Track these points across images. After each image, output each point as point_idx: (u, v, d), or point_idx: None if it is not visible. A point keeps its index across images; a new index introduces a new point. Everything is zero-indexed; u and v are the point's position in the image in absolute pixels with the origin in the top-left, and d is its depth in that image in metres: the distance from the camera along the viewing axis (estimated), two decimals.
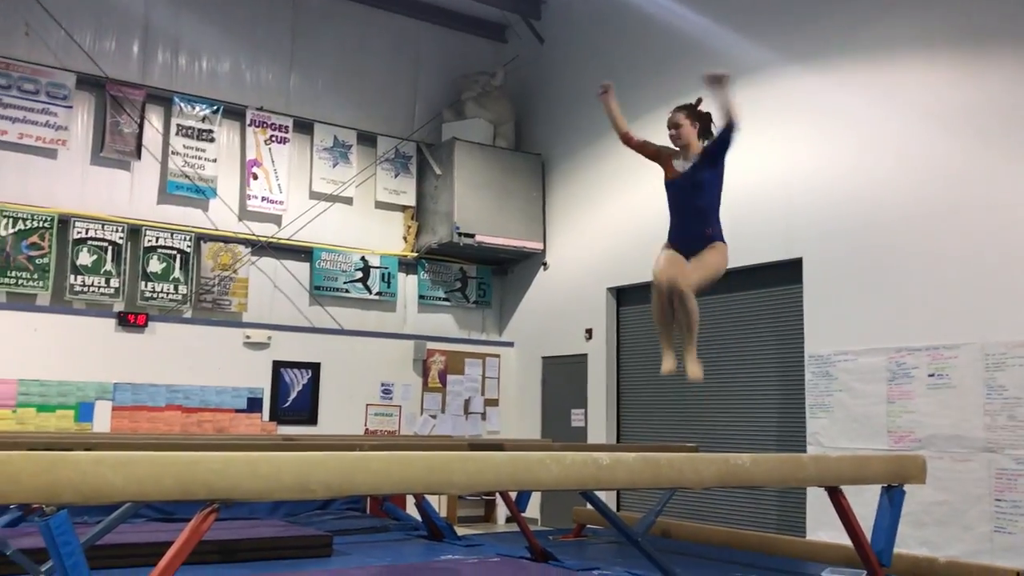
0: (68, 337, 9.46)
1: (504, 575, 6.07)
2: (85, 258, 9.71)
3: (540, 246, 11.94)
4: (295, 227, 11.11)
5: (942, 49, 7.69)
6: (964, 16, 7.53)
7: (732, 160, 9.60)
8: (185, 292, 10.27)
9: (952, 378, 7.24)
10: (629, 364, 10.73)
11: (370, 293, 11.55)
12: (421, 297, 11.99)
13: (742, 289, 9.26)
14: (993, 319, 7.02)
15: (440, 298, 12.13)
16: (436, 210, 11.73)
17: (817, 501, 7.62)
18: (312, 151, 11.38)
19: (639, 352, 10.55)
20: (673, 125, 5.34)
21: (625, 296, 10.85)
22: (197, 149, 10.52)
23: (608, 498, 9.80)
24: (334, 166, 11.49)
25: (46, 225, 9.51)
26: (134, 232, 10.06)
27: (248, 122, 10.92)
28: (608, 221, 10.92)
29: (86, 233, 9.76)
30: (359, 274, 11.49)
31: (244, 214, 10.81)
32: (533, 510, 10.90)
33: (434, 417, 11.70)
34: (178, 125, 10.43)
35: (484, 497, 11.60)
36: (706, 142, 5.37)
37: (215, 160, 10.63)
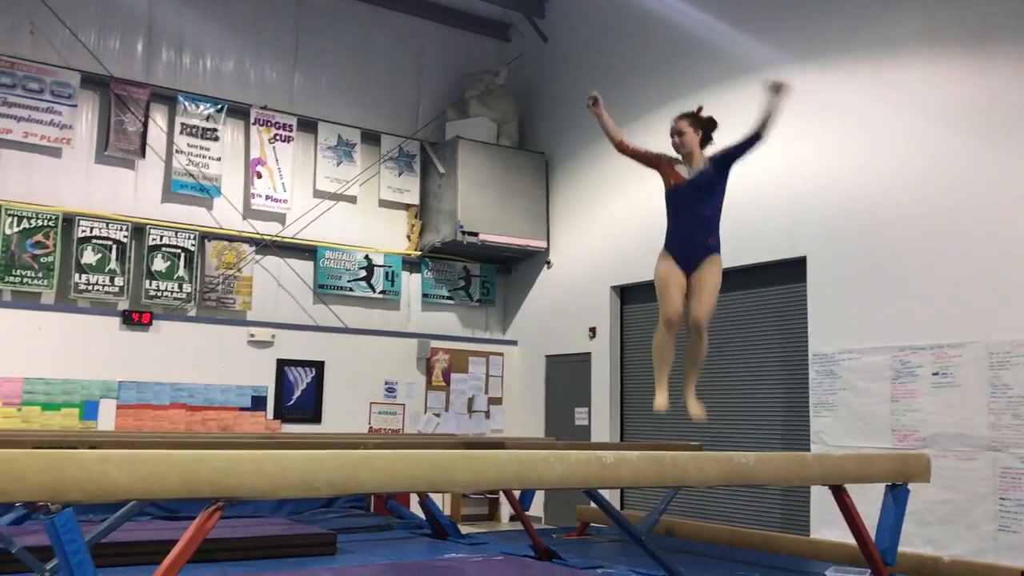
0: (73, 336, 9.48)
1: (508, 574, 6.07)
2: (89, 257, 9.73)
3: (544, 244, 11.94)
4: (299, 226, 11.12)
5: (947, 47, 7.67)
6: (969, 14, 7.51)
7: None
8: (189, 291, 10.28)
9: (956, 377, 7.22)
10: (633, 363, 10.73)
11: (374, 292, 11.55)
12: (425, 296, 12.00)
13: (746, 288, 9.25)
14: (997, 317, 7.00)
15: (444, 296, 12.14)
16: (440, 209, 11.73)
17: (821, 500, 7.61)
18: (316, 150, 11.39)
19: (643, 350, 10.52)
20: (676, 132, 5.28)
21: (629, 294, 10.85)
22: (201, 148, 10.53)
23: (612, 496, 9.80)
24: (338, 165, 11.50)
25: (51, 224, 9.53)
26: (138, 231, 10.08)
27: (252, 121, 10.93)
28: (612, 219, 10.92)
29: (90, 232, 9.77)
30: (363, 273, 11.50)
31: (248, 213, 10.83)
32: (537, 508, 10.90)
33: (438, 415, 11.71)
34: (182, 124, 10.45)
35: (488, 495, 11.60)
36: (712, 151, 5.31)
37: (219, 159, 10.64)
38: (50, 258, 9.49)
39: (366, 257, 11.54)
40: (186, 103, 10.50)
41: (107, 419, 9.57)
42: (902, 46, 7.99)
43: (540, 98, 12.49)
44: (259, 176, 10.89)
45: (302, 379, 10.84)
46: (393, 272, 11.72)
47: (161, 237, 10.18)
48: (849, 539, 5.99)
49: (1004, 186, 7.13)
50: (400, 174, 11.95)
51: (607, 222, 11.00)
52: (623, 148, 5.28)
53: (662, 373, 5.15)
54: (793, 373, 8.71)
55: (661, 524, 7.42)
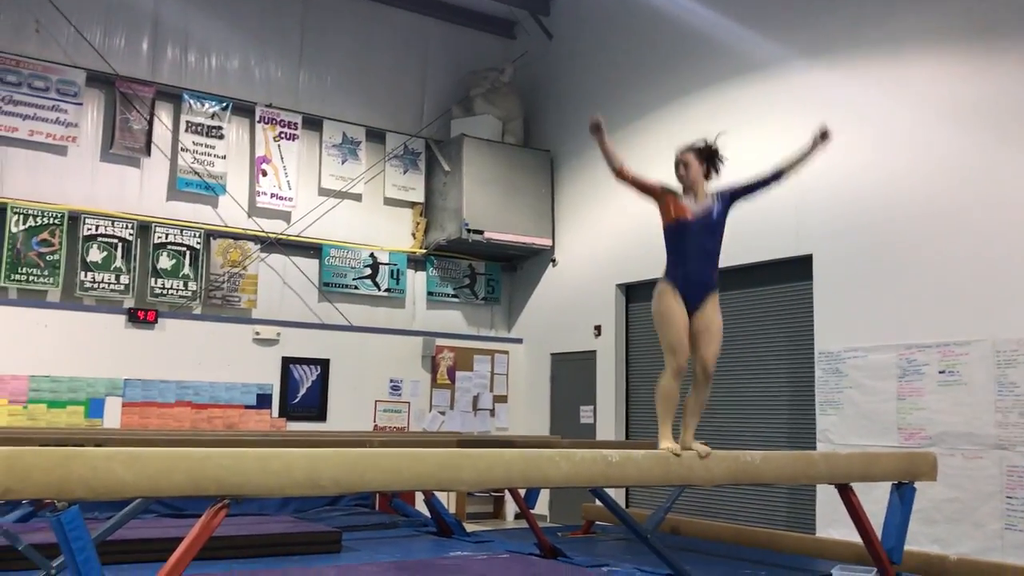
0: (78, 333, 9.50)
1: (513, 572, 6.07)
2: (95, 255, 9.74)
3: (549, 242, 11.93)
4: (304, 224, 11.13)
5: (953, 44, 7.64)
6: (975, 10, 7.48)
7: (741, 156, 9.58)
8: (195, 288, 10.29)
9: (963, 375, 7.20)
10: (638, 361, 10.72)
11: (379, 289, 11.56)
12: (430, 293, 12.00)
13: (752, 286, 9.24)
14: (1004, 316, 6.98)
15: (449, 294, 12.13)
16: (445, 206, 11.72)
17: (827, 498, 7.60)
18: (321, 148, 11.39)
19: (648, 349, 10.52)
20: (682, 164, 5.14)
21: (634, 292, 10.83)
22: (206, 146, 10.54)
23: (617, 495, 9.79)
24: (343, 163, 11.50)
25: (56, 222, 9.54)
26: (144, 229, 10.09)
27: (257, 119, 10.94)
28: (617, 217, 10.90)
29: (96, 230, 9.79)
30: (368, 271, 11.50)
31: (253, 211, 10.83)
32: (542, 507, 10.90)
33: (443, 413, 11.71)
34: (187, 122, 10.46)
35: (493, 494, 11.60)
36: (719, 185, 5.20)
37: (224, 157, 10.65)
38: (56, 256, 9.51)
39: (371, 255, 11.54)
40: (191, 101, 10.51)
41: (113, 417, 9.58)
42: (908, 42, 7.96)
43: (545, 96, 12.47)
44: (264, 174, 10.90)
45: (307, 377, 10.84)
46: (398, 270, 11.72)
47: (166, 235, 10.19)
48: (855, 538, 5.98)
49: (1011, 184, 7.10)
50: (405, 172, 11.95)
51: (612, 220, 10.99)
52: (623, 175, 5.11)
53: (668, 420, 4.95)
54: (799, 371, 8.69)
55: (666, 522, 7.41)
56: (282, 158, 11.02)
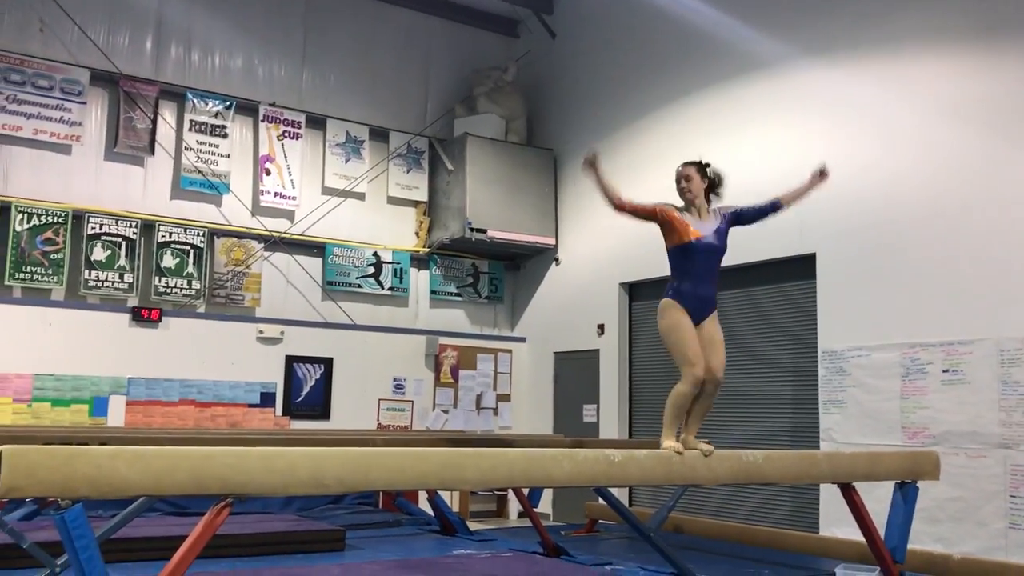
0: (82, 332, 9.51)
1: (516, 570, 6.07)
2: (99, 253, 9.76)
3: (552, 241, 11.93)
4: (308, 222, 11.14)
5: (956, 42, 7.63)
6: (979, 7, 7.46)
7: (746, 154, 9.59)
8: (198, 287, 10.31)
9: (967, 374, 7.19)
10: (641, 360, 10.72)
11: (382, 288, 11.56)
12: (433, 292, 12.00)
13: (755, 285, 9.23)
14: (1008, 315, 6.97)
15: (452, 293, 12.14)
16: (448, 205, 11.73)
17: (830, 497, 7.59)
18: (324, 147, 11.40)
19: (651, 348, 10.52)
20: (684, 178, 5.23)
21: (637, 291, 10.83)
22: (210, 145, 10.55)
23: (620, 494, 9.79)
24: (346, 161, 11.51)
25: (60, 221, 9.56)
26: (148, 227, 10.10)
27: (261, 118, 10.95)
28: (620, 217, 10.87)
29: (100, 228, 9.80)
30: (371, 269, 11.51)
31: (257, 209, 10.84)
32: (545, 505, 10.91)
33: (446, 412, 11.71)
34: (191, 121, 10.47)
35: (496, 492, 11.61)
36: (721, 205, 5.29)
37: (228, 156, 10.66)
38: (60, 255, 9.53)
39: (374, 254, 11.55)
40: (195, 100, 10.52)
41: (117, 415, 9.60)
42: (911, 41, 7.95)
43: (548, 95, 12.47)
44: (268, 173, 10.91)
45: (311, 375, 10.85)
46: (401, 269, 11.73)
47: (170, 234, 10.21)
48: (858, 536, 5.99)
49: (1015, 182, 7.08)
50: (408, 171, 11.96)
51: (615, 219, 10.82)
52: (622, 208, 5.18)
53: (675, 424, 5.06)
54: (802, 370, 8.68)
55: (670, 521, 7.42)
56: (286, 157, 11.03)
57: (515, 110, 12.23)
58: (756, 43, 9.30)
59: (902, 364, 7.65)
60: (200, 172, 10.43)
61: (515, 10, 12.55)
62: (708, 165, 5.29)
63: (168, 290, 10.12)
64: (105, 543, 4.31)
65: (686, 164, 5.29)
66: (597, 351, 11.06)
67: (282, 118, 11.08)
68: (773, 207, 5.36)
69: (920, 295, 7.59)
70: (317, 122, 11.38)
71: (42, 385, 9.25)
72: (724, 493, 9.06)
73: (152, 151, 10.21)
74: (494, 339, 12.33)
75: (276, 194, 10.92)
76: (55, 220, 9.53)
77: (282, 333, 10.69)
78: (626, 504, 9.58)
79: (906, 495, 5.72)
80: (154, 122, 10.20)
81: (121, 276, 9.86)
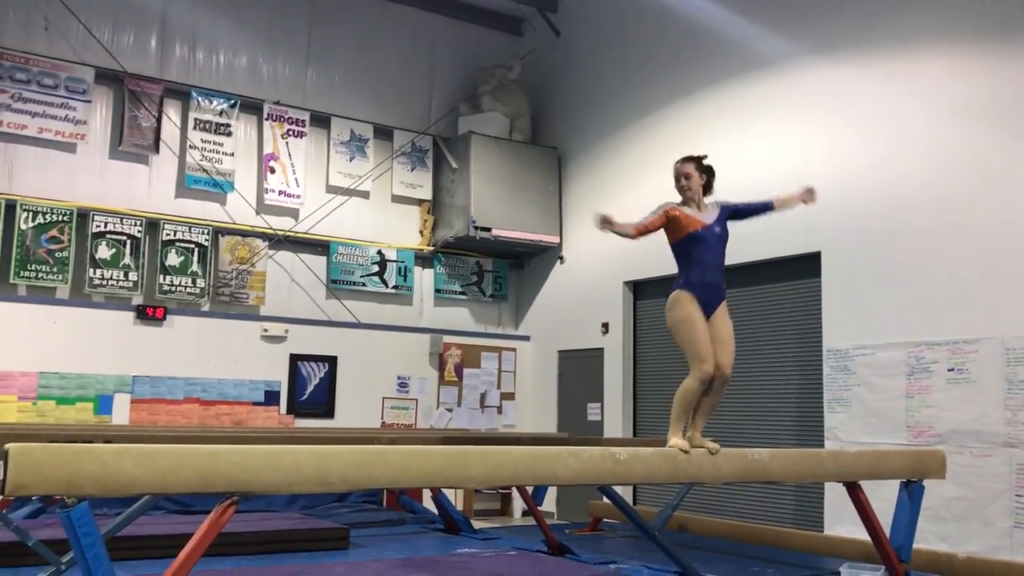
0: (87, 330, 9.53)
1: (521, 568, 6.07)
2: (104, 252, 9.77)
3: (556, 240, 11.93)
4: (312, 221, 11.14)
5: (963, 40, 7.61)
6: (987, 5, 7.44)
7: (751, 152, 9.57)
8: (203, 285, 10.31)
9: (972, 373, 7.18)
10: (646, 358, 10.71)
11: (386, 287, 11.57)
12: (437, 291, 12.00)
13: (760, 283, 9.22)
14: (1013, 314, 6.95)
15: (456, 292, 12.14)
16: (452, 204, 11.73)
17: (835, 496, 7.58)
18: (329, 145, 11.40)
19: (656, 346, 10.52)
20: (683, 175, 5.30)
21: (642, 290, 10.82)
22: (215, 143, 10.56)
23: (624, 492, 9.78)
24: (351, 160, 11.51)
25: (65, 219, 9.57)
26: (152, 226, 10.11)
27: (265, 116, 10.95)
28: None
29: (105, 227, 9.81)
30: (376, 268, 11.51)
31: (261, 208, 10.85)
32: (549, 504, 10.91)
33: (450, 411, 11.71)
34: (196, 119, 10.48)
35: (500, 491, 11.60)
36: (716, 200, 5.36)
37: (232, 154, 10.67)
38: (65, 253, 9.54)
39: (379, 252, 11.55)
40: (199, 98, 10.53)
41: (121, 413, 9.61)
42: (918, 38, 7.93)
43: (553, 93, 12.46)
44: (272, 171, 10.91)
45: (315, 374, 10.86)
46: (406, 267, 11.73)
47: (175, 232, 10.21)
48: (864, 536, 5.98)
49: (1021, 181, 7.06)
50: (413, 169, 11.96)
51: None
52: (639, 235, 5.26)
53: (682, 421, 5.05)
54: (807, 369, 8.67)
55: (674, 520, 7.41)
56: (290, 155, 11.03)
57: (519, 108, 12.22)
58: (761, 41, 9.29)
59: (907, 363, 7.63)
60: (204, 170, 10.44)
61: (520, 8, 12.55)
62: (704, 157, 5.33)
63: (173, 288, 10.13)
64: (110, 541, 4.31)
65: (684, 160, 5.36)
66: (601, 350, 11.05)
67: (286, 116, 11.08)
68: (766, 207, 5.46)
69: (925, 294, 7.57)
70: (321, 120, 11.39)
71: (47, 383, 9.27)
72: (729, 492, 9.05)
73: (157, 149, 10.22)
74: (498, 337, 12.32)
75: (280, 192, 10.93)
76: (60, 218, 9.54)
77: (286, 331, 10.70)
78: (630, 503, 9.58)
79: (912, 494, 5.71)
80: (159, 120, 10.21)
81: (126, 274, 9.87)
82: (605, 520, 8.86)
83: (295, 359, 10.73)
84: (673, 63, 10.41)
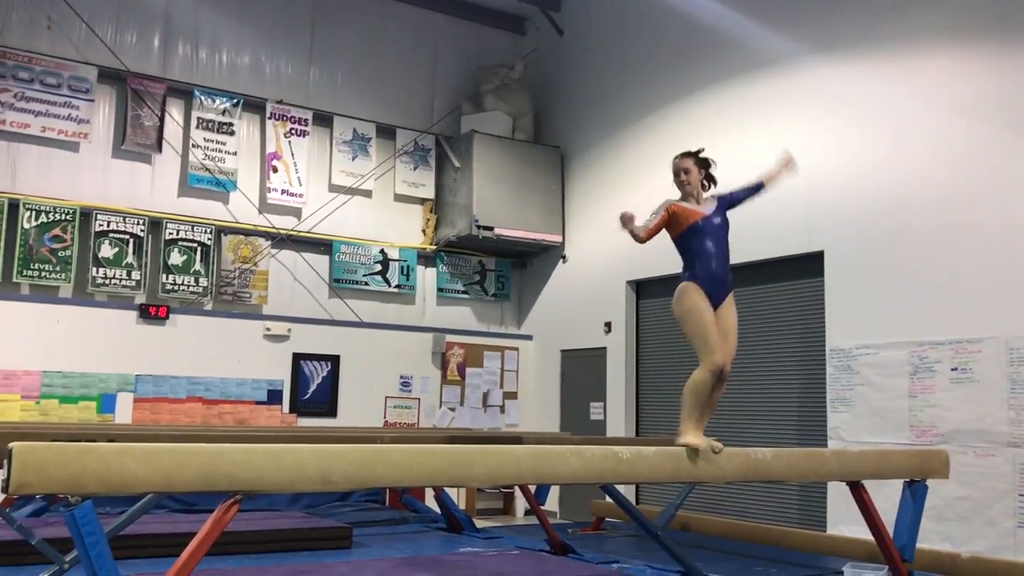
0: (90, 329, 9.54)
1: (523, 568, 6.06)
2: (107, 251, 9.78)
3: (559, 239, 11.92)
4: (315, 220, 11.14)
5: (968, 38, 7.59)
6: (988, 3, 7.43)
7: (753, 151, 9.57)
8: (206, 284, 10.32)
9: (975, 372, 7.17)
10: (648, 357, 10.70)
11: (389, 286, 11.57)
12: (440, 290, 12.01)
13: (763, 282, 9.21)
14: (1017, 313, 6.94)
15: (459, 291, 12.14)
16: (455, 203, 11.73)
17: (838, 495, 7.58)
18: (331, 144, 11.41)
19: (658, 345, 10.51)
20: (682, 171, 5.30)
21: (645, 289, 10.81)
22: (217, 142, 10.56)
23: (627, 492, 9.78)
24: (353, 159, 11.51)
25: (68, 218, 9.58)
26: (155, 225, 10.12)
27: (268, 115, 10.95)
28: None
29: (108, 226, 9.82)
30: (378, 267, 11.51)
31: (264, 207, 10.85)
32: (552, 503, 10.90)
33: (453, 410, 11.71)
34: (198, 118, 10.48)
35: (503, 490, 11.61)
36: (714, 192, 5.37)
37: (235, 153, 10.67)
38: (68, 252, 9.55)
39: (381, 251, 11.55)
40: (202, 97, 10.53)
41: (124, 412, 9.62)
42: (921, 37, 7.92)
43: (555, 92, 12.46)
44: (275, 170, 10.92)
45: (318, 373, 10.86)
46: (408, 266, 11.73)
47: (178, 231, 10.22)
48: (867, 535, 5.97)
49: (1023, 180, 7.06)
50: (415, 168, 11.96)
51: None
52: (648, 237, 5.23)
53: (696, 415, 4.98)
54: (810, 368, 8.66)
55: (677, 519, 7.40)
56: (292, 154, 11.04)
57: (522, 107, 12.22)
58: (764, 40, 9.28)
59: (910, 362, 7.62)
60: (207, 169, 10.45)
61: (522, 7, 12.54)
62: (703, 151, 5.34)
63: (175, 287, 10.14)
64: (114, 539, 4.31)
65: (683, 156, 5.37)
66: (604, 349, 11.05)
67: (289, 115, 11.08)
68: (758, 187, 5.47)
69: (928, 293, 7.56)
70: (324, 119, 11.39)
71: (50, 382, 9.28)
72: (732, 491, 9.05)
73: (159, 148, 10.22)
74: (501, 337, 12.32)
75: (283, 191, 10.93)
76: (63, 217, 9.55)
77: (289, 330, 10.70)
78: (633, 502, 9.57)
79: (915, 494, 5.70)
80: (161, 119, 10.22)
81: (129, 273, 9.88)
82: (608, 519, 8.85)
83: (298, 358, 10.74)
84: (675, 62, 10.41)
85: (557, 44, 12.41)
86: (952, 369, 7.33)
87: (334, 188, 11.37)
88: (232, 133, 10.66)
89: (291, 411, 10.61)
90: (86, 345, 9.47)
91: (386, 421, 11.21)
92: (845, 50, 8.51)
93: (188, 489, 3.55)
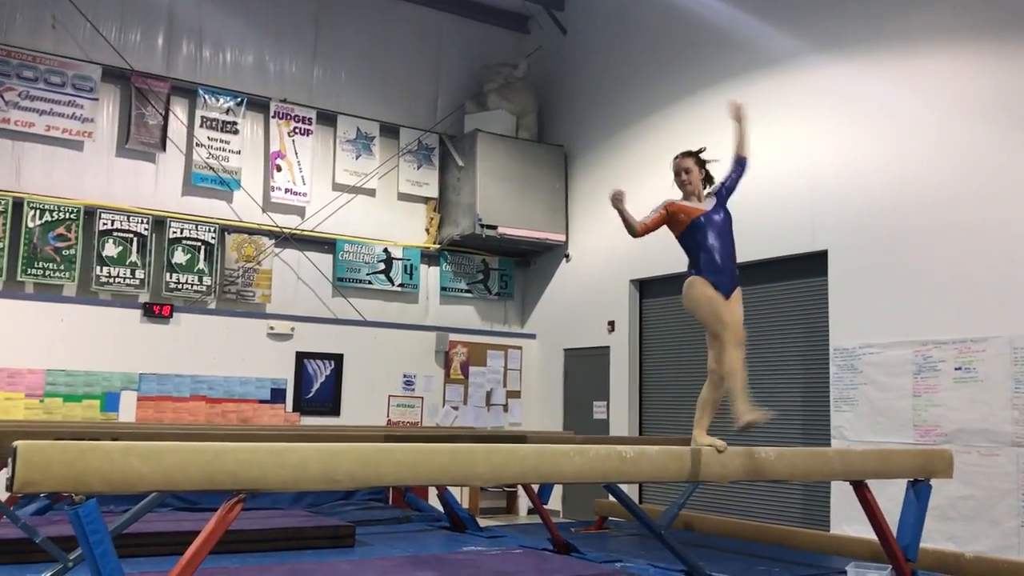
0: (94, 328, 9.55)
1: (526, 567, 6.06)
2: (111, 249, 9.80)
3: (562, 238, 11.92)
4: (318, 219, 11.15)
5: (970, 38, 7.58)
6: (991, 3, 7.41)
7: (756, 150, 9.53)
8: (209, 283, 10.33)
9: (979, 372, 7.16)
10: (652, 356, 10.70)
11: (392, 285, 11.58)
12: (443, 289, 12.01)
13: (767, 281, 9.20)
14: (1021, 312, 6.93)
15: (462, 290, 12.14)
16: (458, 202, 11.73)
17: (842, 495, 7.57)
18: (335, 143, 11.41)
19: (662, 344, 10.51)
20: (683, 171, 5.32)
21: (648, 288, 10.81)
22: (221, 141, 10.57)
23: (630, 491, 9.78)
24: (357, 158, 11.52)
25: (72, 217, 9.59)
26: (159, 224, 10.13)
27: (272, 114, 10.96)
28: (632, 211, 10.85)
29: (112, 225, 9.84)
30: (382, 266, 11.52)
31: (268, 206, 10.86)
32: (555, 502, 10.91)
33: (456, 409, 11.72)
34: (202, 117, 10.49)
35: (506, 489, 11.61)
36: (717, 186, 5.36)
37: (239, 152, 10.68)
38: (72, 251, 9.56)
39: (385, 250, 11.56)
40: (206, 96, 10.54)
41: (128, 411, 9.64)
42: (924, 37, 7.90)
43: (559, 91, 12.45)
44: (279, 169, 10.93)
45: (321, 372, 10.87)
46: (412, 265, 11.73)
47: (181, 230, 10.23)
48: (870, 535, 5.96)
49: None
50: (419, 167, 11.96)
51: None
52: (643, 231, 5.25)
53: (712, 413, 5.10)
54: (814, 368, 8.65)
55: (680, 519, 7.40)
56: (296, 153, 11.04)
57: (526, 106, 12.22)
58: (767, 39, 9.27)
59: (914, 362, 7.61)
60: (211, 168, 10.46)
61: (526, 6, 12.54)
62: (703, 150, 5.35)
63: (179, 286, 10.15)
64: (118, 538, 4.32)
65: (683, 156, 5.38)
66: (607, 348, 11.04)
67: (293, 114, 11.09)
68: (740, 163, 5.40)
69: (933, 292, 7.55)
70: (328, 118, 11.40)
71: (54, 381, 9.30)
72: (735, 490, 9.04)
73: (163, 147, 10.23)
74: (504, 336, 12.33)
75: (287, 190, 10.94)
76: (67, 216, 9.57)
77: (292, 329, 10.71)
78: (636, 501, 9.57)
79: (919, 493, 5.69)
80: (165, 118, 10.23)
81: (132, 272, 9.89)
82: (611, 518, 8.84)
83: (301, 357, 10.75)
84: (679, 61, 10.40)
85: (561, 43, 12.41)
86: (956, 369, 7.32)
87: (338, 187, 11.38)
88: (236, 132, 10.67)
89: (294, 410, 10.63)
90: (90, 344, 9.48)
91: (389, 420, 11.22)
92: (848, 50, 8.50)
93: (192, 488, 3.56)
